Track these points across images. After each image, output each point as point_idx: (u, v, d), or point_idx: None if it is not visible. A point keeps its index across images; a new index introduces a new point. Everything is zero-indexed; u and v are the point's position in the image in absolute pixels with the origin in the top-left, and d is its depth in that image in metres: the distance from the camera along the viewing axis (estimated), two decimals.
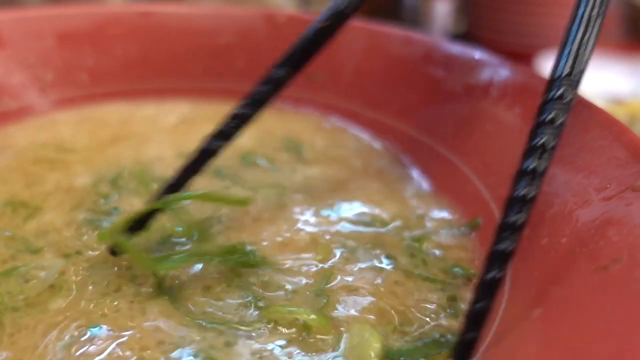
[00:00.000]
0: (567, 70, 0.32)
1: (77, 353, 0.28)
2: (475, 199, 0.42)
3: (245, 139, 0.42)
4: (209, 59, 0.59)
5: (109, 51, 0.57)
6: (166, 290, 0.33)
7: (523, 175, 0.29)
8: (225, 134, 0.37)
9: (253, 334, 0.30)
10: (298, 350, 0.29)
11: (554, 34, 1.23)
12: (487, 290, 0.27)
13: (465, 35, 1.19)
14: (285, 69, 0.38)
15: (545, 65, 1.04)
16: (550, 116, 0.31)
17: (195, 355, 0.28)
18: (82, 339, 0.29)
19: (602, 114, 0.36)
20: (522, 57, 1.14)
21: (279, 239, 0.38)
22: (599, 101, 0.84)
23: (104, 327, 0.30)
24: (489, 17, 1.15)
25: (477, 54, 0.47)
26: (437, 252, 0.38)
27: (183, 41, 0.58)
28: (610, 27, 1.40)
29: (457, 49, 0.49)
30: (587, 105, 0.38)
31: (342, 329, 0.31)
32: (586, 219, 0.30)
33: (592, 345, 0.23)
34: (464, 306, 0.34)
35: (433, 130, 0.48)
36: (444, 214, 0.42)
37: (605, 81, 0.99)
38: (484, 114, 0.45)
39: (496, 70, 0.45)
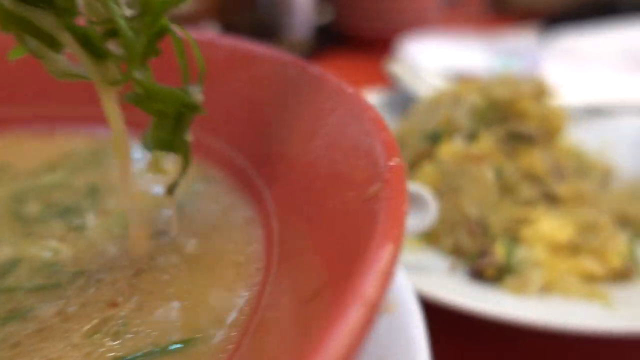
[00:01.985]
0: None
1: None
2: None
3: None
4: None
5: None
6: None
7: None
8: None
9: None
10: None
11: (415, 17, 1.23)
12: None
13: (332, 24, 1.17)
14: None
15: (406, 47, 1.03)
16: None
17: None
18: None
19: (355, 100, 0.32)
20: (386, 41, 1.12)
21: None
22: (436, 79, 0.83)
23: None
24: (353, 4, 1.14)
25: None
26: None
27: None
28: (474, 1, 1.42)
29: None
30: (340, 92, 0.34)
31: None
32: None
33: None
34: None
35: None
36: None
37: (458, 57, 0.98)
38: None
39: None
